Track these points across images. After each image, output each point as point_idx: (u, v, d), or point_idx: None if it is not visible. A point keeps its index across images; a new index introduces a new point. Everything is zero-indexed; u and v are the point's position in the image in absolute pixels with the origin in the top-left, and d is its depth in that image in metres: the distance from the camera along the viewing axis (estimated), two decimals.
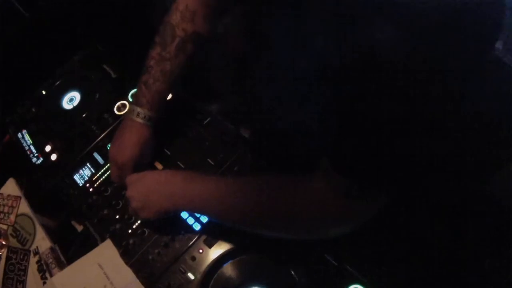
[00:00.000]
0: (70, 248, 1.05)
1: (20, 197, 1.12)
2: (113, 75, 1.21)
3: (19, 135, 1.24)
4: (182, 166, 1.04)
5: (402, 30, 0.50)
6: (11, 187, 1.14)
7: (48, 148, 1.18)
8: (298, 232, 0.78)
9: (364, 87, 0.56)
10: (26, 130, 1.24)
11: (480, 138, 0.68)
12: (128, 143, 0.97)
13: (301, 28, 0.63)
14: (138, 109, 0.98)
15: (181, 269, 0.91)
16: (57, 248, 1.03)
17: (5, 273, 1.03)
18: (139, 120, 0.97)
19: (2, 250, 1.06)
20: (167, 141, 1.08)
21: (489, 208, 0.96)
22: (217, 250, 0.92)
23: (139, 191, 0.89)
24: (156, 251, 0.95)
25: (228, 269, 0.90)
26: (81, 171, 1.11)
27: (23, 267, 1.03)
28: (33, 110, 1.27)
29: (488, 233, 0.98)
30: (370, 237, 0.91)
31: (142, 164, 1.01)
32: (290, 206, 0.73)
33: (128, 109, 1.02)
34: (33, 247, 1.05)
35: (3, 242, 1.07)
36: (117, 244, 0.98)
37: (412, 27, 0.49)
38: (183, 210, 0.93)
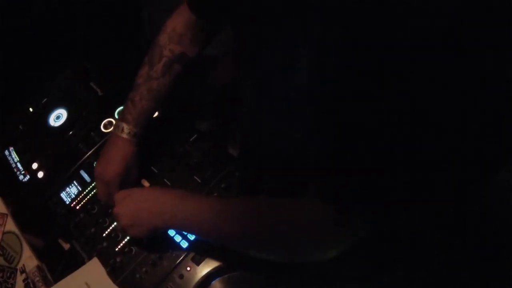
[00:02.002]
0: (57, 266, 1.04)
1: (6, 215, 1.11)
2: (100, 93, 1.21)
3: (6, 152, 1.23)
4: (169, 184, 1.04)
5: (394, 48, 0.50)
6: None
7: (35, 165, 1.18)
8: (285, 256, 0.78)
9: (351, 111, 0.56)
10: (13, 147, 1.23)
11: (477, 144, 0.68)
12: (113, 159, 0.98)
13: (290, 50, 0.63)
14: (124, 125, 0.98)
15: (169, 287, 0.91)
16: (44, 266, 1.03)
17: None
18: (124, 136, 0.98)
19: None
20: (154, 159, 1.08)
21: (481, 220, 0.97)
22: (205, 268, 0.92)
23: (128, 208, 0.88)
24: (144, 269, 0.95)
25: (216, 286, 0.91)
26: (68, 189, 1.11)
27: (9, 286, 1.02)
28: (20, 127, 1.26)
29: (483, 241, 0.99)
30: (362, 250, 0.92)
31: (129, 181, 1.01)
32: (280, 231, 0.73)
33: (114, 125, 1.03)
34: (20, 265, 1.04)
35: None
36: (104, 262, 0.97)
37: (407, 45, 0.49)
38: (174, 229, 0.92)
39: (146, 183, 1.06)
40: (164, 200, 0.85)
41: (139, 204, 0.87)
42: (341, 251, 0.72)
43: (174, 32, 0.97)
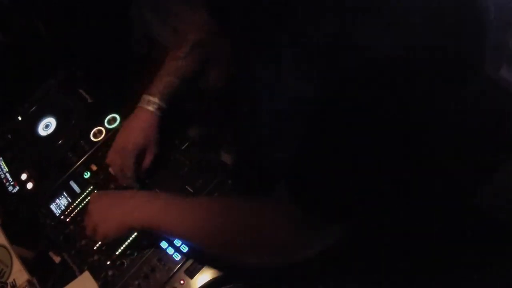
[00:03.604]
0: (48, 280, 1.02)
1: None
2: (89, 100, 1.19)
3: None
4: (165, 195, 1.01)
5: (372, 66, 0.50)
6: None
7: (24, 176, 1.15)
8: (249, 255, 0.77)
9: (331, 120, 0.57)
10: (2, 158, 1.21)
11: (462, 152, 0.68)
12: (134, 129, 1.01)
13: (278, 65, 0.64)
14: (149, 98, 1.01)
15: None
16: (35, 281, 1.00)
17: None
18: (149, 108, 1.01)
19: None
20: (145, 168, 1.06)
21: (479, 222, 0.96)
22: (198, 281, 0.89)
23: (102, 204, 0.89)
24: (136, 282, 0.92)
25: None
26: (57, 201, 1.08)
27: None
28: (9, 136, 1.23)
29: (476, 246, 0.97)
30: (361, 263, 0.90)
31: (144, 156, 1.03)
32: (243, 231, 0.73)
33: (141, 98, 1.04)
34: (10, 279, 1.01)
35: None
36: (95, 276, 0.95)
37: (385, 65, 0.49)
38: (145, 227, 0.86)
39: None
40: (137, 197, 0.87)
41: (112, 201, 0.89)
42: (306, 254, 0.72)
43: (195, 22, 1.01)
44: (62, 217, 1.06)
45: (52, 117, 1.21)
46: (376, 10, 0.49)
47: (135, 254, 0.95)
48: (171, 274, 0.91)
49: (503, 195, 0.95)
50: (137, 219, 0.83)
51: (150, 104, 1.01)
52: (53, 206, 1.08)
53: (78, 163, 1.11)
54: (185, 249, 0.92)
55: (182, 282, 0.90)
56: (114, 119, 1.14)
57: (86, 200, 1.05)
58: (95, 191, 1.06)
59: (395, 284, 0.96)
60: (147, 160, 1.04)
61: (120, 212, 0.85)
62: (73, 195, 1.08)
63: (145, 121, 1.01)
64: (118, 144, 1.02)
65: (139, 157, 1.01)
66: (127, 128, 1.03)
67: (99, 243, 0.99)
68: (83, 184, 1.08)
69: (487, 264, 0.97)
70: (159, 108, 1.02)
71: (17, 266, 1.02)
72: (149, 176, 1.05)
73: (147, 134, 1.01)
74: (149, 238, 0.96)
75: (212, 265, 0.90)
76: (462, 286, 0.98)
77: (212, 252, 0.83)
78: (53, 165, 1.13)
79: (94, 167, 1.10)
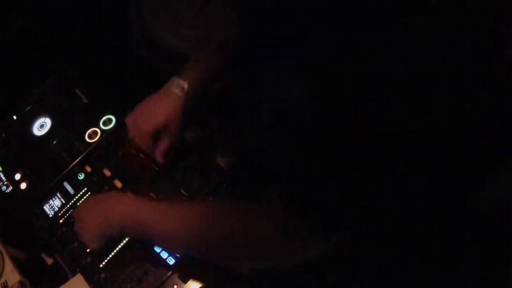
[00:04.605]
0: (40, 282, 1.01)
1: None
2: (85, 100, 1.18)
3: None
4: (154, 198, 1.00)
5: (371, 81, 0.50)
6: None
7: (17, 176, 1.14)
8: (231, 261, 0.79)
9: (330, 126, 0.56)
10: None
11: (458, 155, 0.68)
12: (157, 111, 0.99)
13: (280, 68, 0.63)
14: (180, 81, 0.98)
15: None
16: (26, 282, 0.99)
17: None
18: (177, 91, 0.98)
19: None
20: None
21: (478, 223, 0.96)
22: (192, 286, 0.89)
23: (90, 202, 0.92)
24: (129, 286, 0.91)
25: None
26: (51, 202, 1.07)
27: None
28: (3, 135, 1.22)
29: (475, 248, 0.97)
30: (360, 264, 0.90)
31: (163, 140, 1.01)
32: (231, 234, 0.74)
33: (170, 80, 1.01)
34: (2, 280, 1.01)
35: None
36: (88, 279, 0.94)
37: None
38: (128, 225, 0.87)
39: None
40: (123, 195, 0.89)
41: (101, 198, 0.92)
42: (298, 260, 0.72)
43: (225, 22, 0.99)
44: (55, 218, 1.06)
45: (47, 117, 1.20)
46: (380, 18, 0.49)
47: (128, 257, 0.94)
48: (164, 279, 0.90)
49: (503, 196, 0.95)
50: (119, 214, 0.85)
51: (178, 87, 0.98)
52: (46, 207, 1.07)
53: (72, 164, 1.10)
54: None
55: (175, 287, 0.89)
56: (109, 121, 1.13)
57: (80, 201, 1.04)
58: (89, 192, 1.05)
59: (395, 284, 0.96)
60: (165, 144, 1.01)
61: (103, 207, 0.88)
62: (66, 196, 1.07)
63: (170, 104, 0.98)
64: (139, 125, 1.00)
65: (157, 137, 1.00)
66: (151, 108, 1.00)
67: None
68: (77, 186, 1.07)
69: (487, 265, 0.97)
70: (187, 94, 0.99)
71: (9, 266, 1.02)
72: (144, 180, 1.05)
73: (169, 119, 0.98)
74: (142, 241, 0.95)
75: (205, 271, 0.90)
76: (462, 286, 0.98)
77: (195, 255, 0.84)
78: (47, 165, 1.12)
79: (88, 169, 1.10)
